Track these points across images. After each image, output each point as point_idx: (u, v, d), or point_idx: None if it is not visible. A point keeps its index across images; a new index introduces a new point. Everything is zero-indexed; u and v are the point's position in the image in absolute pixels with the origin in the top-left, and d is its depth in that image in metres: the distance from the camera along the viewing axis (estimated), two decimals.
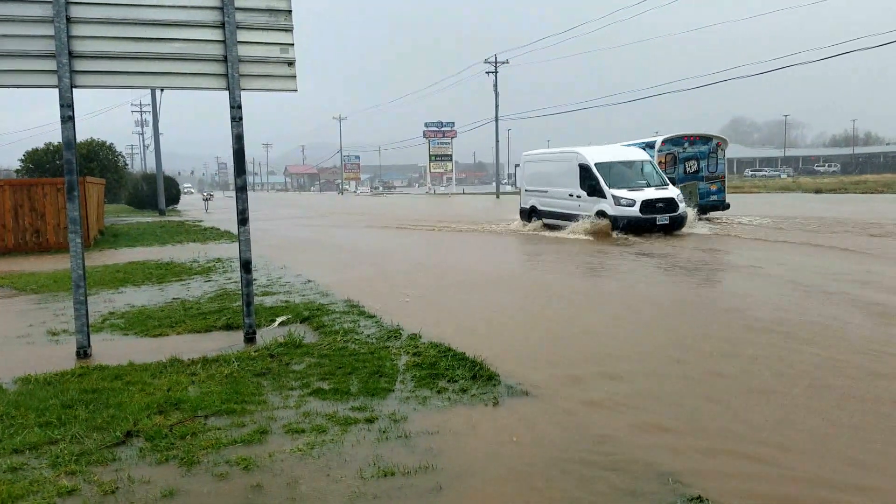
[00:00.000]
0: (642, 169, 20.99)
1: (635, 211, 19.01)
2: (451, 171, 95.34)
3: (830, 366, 6.54)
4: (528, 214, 23.84)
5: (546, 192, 22.65)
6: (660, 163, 23.15)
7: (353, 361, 6.85)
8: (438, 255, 17.89)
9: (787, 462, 4.46)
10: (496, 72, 64.69)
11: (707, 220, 23.75)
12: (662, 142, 24.13)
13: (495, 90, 64.68)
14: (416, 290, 11.46)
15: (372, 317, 9.11)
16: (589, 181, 20.25)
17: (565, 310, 9.91)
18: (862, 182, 53.58)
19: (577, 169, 20.79)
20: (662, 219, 19.10)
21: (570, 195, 21.08)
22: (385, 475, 4.33)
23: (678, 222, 19.42)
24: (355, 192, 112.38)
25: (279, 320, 9.01)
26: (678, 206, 19.41)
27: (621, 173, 20.37)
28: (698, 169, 24.28)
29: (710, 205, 24.42)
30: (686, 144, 24.27)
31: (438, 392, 5.91)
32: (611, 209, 19.41)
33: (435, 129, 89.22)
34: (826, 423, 5.12)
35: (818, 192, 48.44)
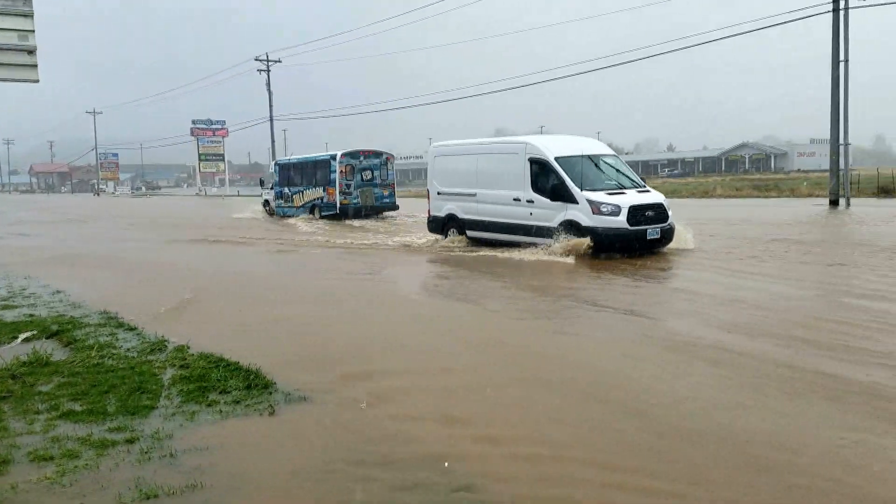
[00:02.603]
0: (608, 166, 16.35)
1: (621, 221, 14.28)
2: (224, 171, 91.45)
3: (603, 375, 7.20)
4: (443, 225, 18.15)
5: (474, 195, 17.22)
6: (341, 172, 28.25)
7: (111, 378, 6.36)
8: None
9: (554, 448, 4.81)
10: (268, 70, 63.12)
11: (382, 218, 28.68)
12: (342, 154, 28.88)
13: (268, 89, 63.04)
14: (185, 299, 10.86)
15: (132, 329, 8.50)
16: (549, 181, 15.34)
17: (352, 316, 9.90)
18: None
19: (527, 165, 15.79)
20: (653, 232, 14.51)
21: (516, 199, 15.90)
22: (147, 498, 4.08)
23: (668, 236, 14.96)
24: (114, 193, 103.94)
25: (22, 336, 8.14)
26: (668, 214, 14.95)
27: (590, 172, 15.54)
28: (373, 177, 29.27)
29: (384, 207, 29.58)
30: (362, 158, 29.33)
31: (209, 406, 5.66)
32: (587, 219, 14.48)
33: (204, 126, 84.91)
34: (592, 420, 5.64)
35: None
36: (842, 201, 27.43)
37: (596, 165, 15.93)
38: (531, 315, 9.44)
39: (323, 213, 29.05)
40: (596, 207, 14.41)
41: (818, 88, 31.56)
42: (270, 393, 5.94)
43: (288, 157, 34.69)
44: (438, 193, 18.51)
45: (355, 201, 28.65)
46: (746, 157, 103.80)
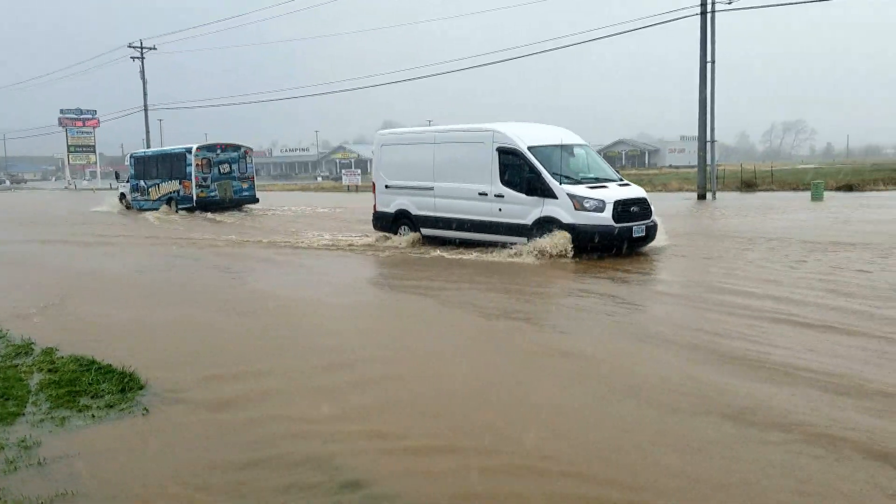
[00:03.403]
0: (583, 157, 14.97)
1: (606, 218, 12.93)
2: (96, 163, 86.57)
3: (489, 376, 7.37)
4: (393, 223, 16.25)
5: (430, 189, 15.42)
6: (197, 165, 28.66)
7: None
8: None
9: (442, 441, 4.90)
10: (143, 58, 60.20)
11: (245, 211, 29.21)
12: (198, 148, 29.19)
13: (142, 77, 60.10)
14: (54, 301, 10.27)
15: None
16: (522, 174, 13.81)
17: (229, 316, 9.63)
18: None
19: (496, 155, 14.14)
20: (639, 229, 13.27)
21: (482, 194, 14.27)
22: None
23: (652, 234, 13.71)
24: None
25: None
26: (651, 210, 13.80)
27: (567, 163, 14.09)
28: (230, 171, 29.77)
29: (244, 200, 30.22)
30: (219, 151, 29.74)
31: (80, 410, 5.42)
32: (568, 216, 13.07)
33: (73, 116, 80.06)
34: (474, 413, 5.78)
35: None
36: (709, 195, 29.25)
37: (572, 157, 14.56)
38: (432, 316, 9.50)
39: (180, 207, 29.18)
40: (578, 203, 13.01)
41: (687, 88, 33.41)
42: (145, 395, 5.74)
43: (143, 151, 35.44)
44: (386, 187, 16.50)
45: (213, 194, 28.96)
46: (623, 153, 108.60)
